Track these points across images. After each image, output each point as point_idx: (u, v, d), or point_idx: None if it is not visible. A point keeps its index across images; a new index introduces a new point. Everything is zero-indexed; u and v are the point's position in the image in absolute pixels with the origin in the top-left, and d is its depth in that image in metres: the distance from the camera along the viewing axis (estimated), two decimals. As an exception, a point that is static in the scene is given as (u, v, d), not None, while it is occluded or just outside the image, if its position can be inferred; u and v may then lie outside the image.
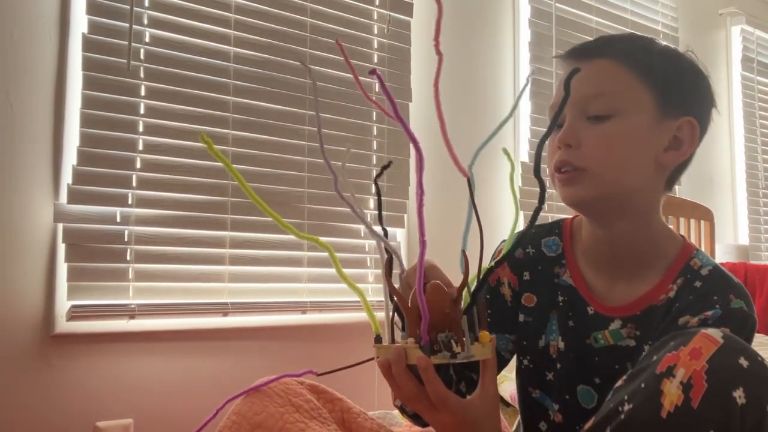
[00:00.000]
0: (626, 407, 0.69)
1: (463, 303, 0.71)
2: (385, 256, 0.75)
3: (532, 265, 0.99)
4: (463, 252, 0.72)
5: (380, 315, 0.74)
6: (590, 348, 0.91)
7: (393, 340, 0.72)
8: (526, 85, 0.77)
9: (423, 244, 0.67)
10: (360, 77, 0.65)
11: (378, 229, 0.72)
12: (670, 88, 0.86)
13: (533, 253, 1.00)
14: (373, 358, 0.74)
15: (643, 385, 0.69)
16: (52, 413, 1.50)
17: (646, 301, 0.89)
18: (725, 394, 0.65)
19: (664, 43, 0.92)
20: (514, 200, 0.78)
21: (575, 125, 0.86)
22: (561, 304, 0.95)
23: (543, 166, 0.68)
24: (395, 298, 0.71)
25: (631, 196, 0.87)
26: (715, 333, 0.70)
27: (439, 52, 0.64)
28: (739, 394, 0.65)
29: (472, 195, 0.71)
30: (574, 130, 0.85)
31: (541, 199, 0.68)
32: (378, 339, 0.73)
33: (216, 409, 0.95)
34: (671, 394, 0.66)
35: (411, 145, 0.65)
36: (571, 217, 1.02)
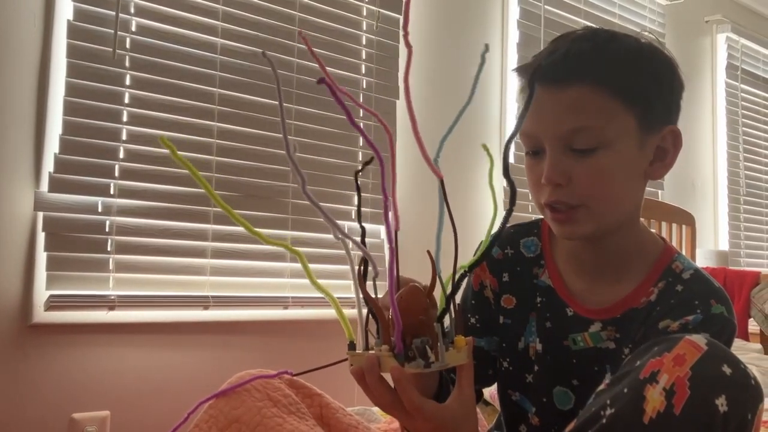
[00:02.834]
0: (608, 411, 0.69)
1: (438, 308, 0.69)
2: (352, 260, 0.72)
3: (511, 266, 0.98)
4: (429, 253, 0.70)
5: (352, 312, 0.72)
6: (568, 350, 0.91)
7: (367, 346, 0.70)
8: (482, 64, 0.69)
9: (392, 251, 0.66)
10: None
11: (348, 230, 0.70)
12: (651, 104, 0.83)
13: (512, 254, 0.99)
14: (346, 359, 0.73)
15: (625, 390, 0.69)
16: (27, 404, 1.48)
17: (626, 303, 0.88)
18: (708, 401, 0.65)
19: (627, 36, 0.86)
20: (492, 196, 0.75)
21: (560, 161, 0.81)
22: (539, 305, 0.95)
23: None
24: (369, 303, 0.69)
25: (624, 216, 0.87)
26: (699, 339, 0.69)
27: (409, 45, 0.64)
28: (721, 402, 0.65)
29: (444, 195, 0.69)
30: (560, 166, 0.81)
31: (512, 201, 0.68)
32: (352, 345, 0.71)
33: (187, 413, 0.94)
34: (654, 400, 0.66)
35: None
36: None
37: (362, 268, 0.72)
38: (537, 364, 0.94)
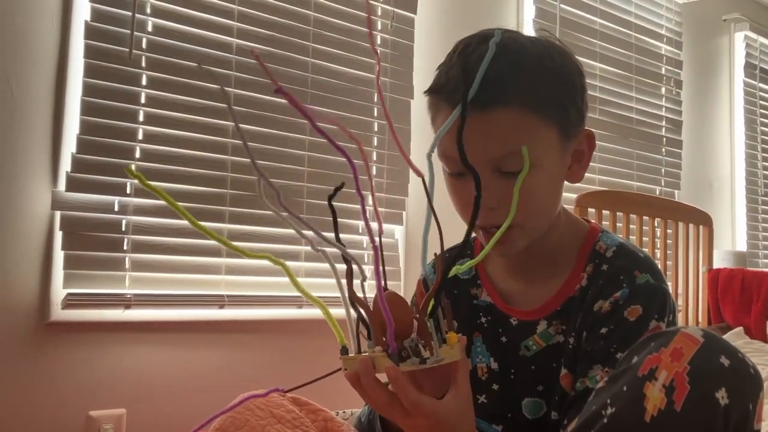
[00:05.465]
0: (609, 411, 0.69)
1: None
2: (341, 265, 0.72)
3: (448, 290, 0.97)
4: (435, 255, 0.70)
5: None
6: (524, 359, 0.91)
7: (359, 350, 0.70)
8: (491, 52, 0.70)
9: (375, 249, 0.66)
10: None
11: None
12: (569, 114, 0.84)
13: (448, 278, 0.99)
14: (340, 369, 0.72)
15: (625, 388, 0.69)
16: (44, 401, 1.50)
17: (563, 294, 0.89)
18: (708, 395, 0.65)
19: (531, 41, 0.84)
20: (514, 200, 0.77)
21: (489, 184, 0.80)
22: (485, 324, 0.95)
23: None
24: (358, 305, 0.69)
25: (551, 221, 0.89)
26: (695, 332, 0.70)
27: (376, 52, 0.64)
28: (721, 395, 0.65)
29: (429, 195, 0.69)
30: (491, 190, 0.80)
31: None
32: (344, 350, 0.71)
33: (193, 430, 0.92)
34: (654, 397, 0.66)
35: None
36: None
37: (349, 270, 0.72)
38: (495, 383, 0.94)
